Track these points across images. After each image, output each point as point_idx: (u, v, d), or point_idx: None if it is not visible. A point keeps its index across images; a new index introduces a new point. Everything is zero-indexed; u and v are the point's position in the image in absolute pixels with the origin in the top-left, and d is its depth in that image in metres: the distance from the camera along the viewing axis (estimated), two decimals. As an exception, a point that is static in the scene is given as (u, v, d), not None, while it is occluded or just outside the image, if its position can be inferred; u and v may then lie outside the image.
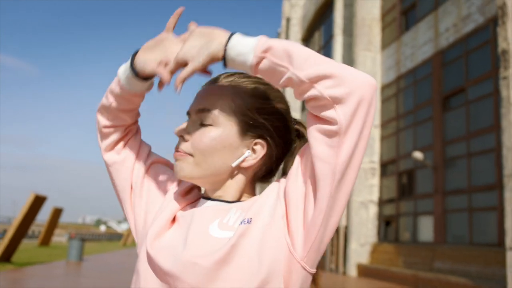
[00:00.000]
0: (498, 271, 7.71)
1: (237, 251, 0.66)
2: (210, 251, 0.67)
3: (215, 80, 0.80)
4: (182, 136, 0.77)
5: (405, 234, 11.49)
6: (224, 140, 0.75)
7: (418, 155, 10.44)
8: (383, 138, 12.92)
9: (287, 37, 19.69)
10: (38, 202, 10.48)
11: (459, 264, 8.89)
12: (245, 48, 0.66)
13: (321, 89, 0.63)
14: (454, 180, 10.01)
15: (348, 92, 0.63)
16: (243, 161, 0.76)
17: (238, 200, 0.77)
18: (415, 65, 11.65)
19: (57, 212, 17.24)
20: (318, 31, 17.60)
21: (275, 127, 0.78)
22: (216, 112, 0.75)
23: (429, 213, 10.57)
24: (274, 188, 0.74)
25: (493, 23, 8.83)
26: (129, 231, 29.83)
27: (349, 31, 14.48)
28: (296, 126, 0.83)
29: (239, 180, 0.78)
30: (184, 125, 0.78)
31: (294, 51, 0.65)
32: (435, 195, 10.42)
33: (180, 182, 0.84)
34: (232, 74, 0.80)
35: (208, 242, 0.69)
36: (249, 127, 0.76)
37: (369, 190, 12.57)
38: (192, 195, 0.83)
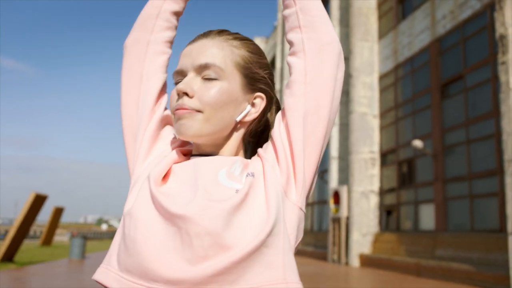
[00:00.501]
0: (500, 256, 7.71)
1: (248, 200, 0.67)
2: (224, 198, 0.66)
3: (205, 36, 0.79)
4: (185, 93, 0.73)
5: (407, 223, 11.50)
6: (231, 93, 0.74)
7: (418, 143, 10.42)
8: (382, 128, 12.91)
9: (283, 31, 19.65)
10: (38, 201, 10.47)
11: (461, 251, 8.90)
12: None
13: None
14: (454, 167, 10.00)
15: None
16: (246, 115, 0.77)
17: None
18: (413, 54, 11.62)
19: (59, 212, 17.25)
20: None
21: (270, 80, 0.81)
22: (220, 66, 0.74)
23: (430, 201, 10.57)
24: (265, 146, 0.77)
25: (490, 9, 8.80)
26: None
27: (345, 22, 14.43)
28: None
29: (238, 136, 0.78)
30: (186, 80, 0.74)
31: None
32: (435, 183, 10.41)
33: (173, 139, 0.81)
34: (222, 31, 0.80)
35: (218, 189, 0.68)
36: (251, 81, 0.78)
37: (369, 180, 12.56)
38: (185, 152, 0.80)
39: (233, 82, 0.75)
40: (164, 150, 0.79)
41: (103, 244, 25.60)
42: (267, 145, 0.76)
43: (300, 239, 0.72)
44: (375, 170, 12.70)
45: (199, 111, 0.73)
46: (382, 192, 12.56)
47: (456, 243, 9.14)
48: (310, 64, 0.73)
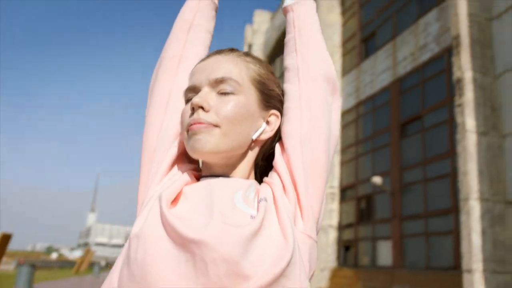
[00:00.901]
0: (454, 294, 7.82)
1: (264, 227, 0.62)
2: (241, 223, 0.61)
3: (218, 52, 0.76)
4: (201, 107, 0.69)
5: (364, 258, 11.55)
6: (248, 108, 0.71)
7: (377, 180, 10.60)
8: (342, 163, 13.09)
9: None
10: (4, 241, 9.87)
11: (417, 288, 8.97)
12: None
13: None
14: (411, 205, 10.20)
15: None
16: (261, 133, 0.74)
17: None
18: (374, 92, 11.95)
19: (6, 238, 16.31)
20: (279, 58, 17.87)
21: (282, 93, 0.78)
22: (236, 79, 0.71)
23: (387, 238, 10.68)
24: (270, 174, 0.74)
25: (448, 53, 9.19)
26: (82, 259, 28.53)
27: (310, 58, 14.75)
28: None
29: (251, 156, 0.75)
30: (201, 94, 0.70)
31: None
32: (393, 220, 10.56)
33: (183, 162, 0.77)
34: (233, 49, 0.78)
35: (235, 213, 0.63)
36: (266, 97, 0.75)
37: (328, 215, 12.63)
38: (196, 175, 0.75)
39: (250, 97, 0.72)
40: (175, 174, 0.73)
41: (53, 273, 24.45)
42: (272, 173, 0.73)
43: (314, 268, 0.68)
44: (334, 205, 12.79)
45: (216, 125, 0.68)
46: (341, 227, 12.62)
47: (413, 280, 9.22)
48: (304, 90, 0.73)
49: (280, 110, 0.76)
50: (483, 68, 7.54)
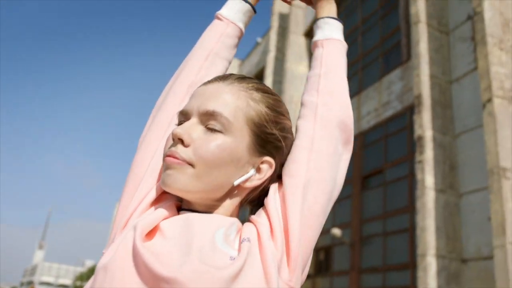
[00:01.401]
0: None
1: (245, 270, 0.57)
2: (221, 264, 0.56)
3: (223, 79, 0.70)
4: (181, 139, 0.63)
5: (321, 311, 11.38)
6: (233, 152, 0.64)
7: (336, 231, 10.62)
8: (303, 213, 13.09)
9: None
10: None
11: None
12: (337, 25, 0.81)
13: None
14: (370, 258, 10.23)
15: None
16: (247, 180, 0.67)
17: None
18: (338, 144, 12.16)
19: None
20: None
21: (286, 145, 0.70)
22: (228, 117, 0.64)
23: (345, 291, 10.60)
24: (258, 212, 0.68)
25: (410, 111, 9.53)
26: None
27: (277, 107, 14.98)
28: None
29: (233, 201, 0.68)
30: (186, 125, 0.64)
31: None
32: (351, 273, 10.52)
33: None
34: (243, 78, 0.71)
35: (215, 253, 0.58)
36: (262, 142, 0.67)
37: (287, 264, 12.48)
38: (177, 205, 0.69)
39: (240, 139, 0.65)
40: (158, 205, 0.67)
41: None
42: (260, 213, 0.66)
43: None
44: (294, 255, 12.67)
45: (190, 164, 0.62)
46: (299, 278, 12.47)
47: (368, 335, 9.11)
48: (319, 132, 0.68)
49: (275, 157, 0.69)
50: (443, 127, 7.84)
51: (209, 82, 0.70)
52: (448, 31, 8.18)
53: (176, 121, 0.72)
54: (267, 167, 0.68)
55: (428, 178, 7.52)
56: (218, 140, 0.63)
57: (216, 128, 0.64)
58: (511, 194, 6.00)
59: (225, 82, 0.69)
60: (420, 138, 7.95)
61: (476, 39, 6.66)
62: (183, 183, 0.62)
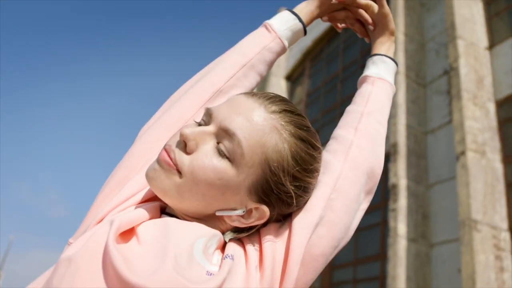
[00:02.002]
0: None
1: None
2: (196, 279, 0.50)
3: (269, 101, 0.61)
4: (187, 143, 0.57)
5: None
6: (229, 185, 0.57)
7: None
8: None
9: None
10: None
11: None
12: (393, 67, 0.81)
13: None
14: (339, 305, 10.08)
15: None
16: (230, 216, 0.60)
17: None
18: (312, 188, 12.19)
19: None
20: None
21: (297, 203, 0.62)
22: (244, 149, 0.56)
23: (312, 338, 10.38)
24: (252, 235, 0.62)
25: (385, 159, 9.66)
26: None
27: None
28: None
29: (213, 224, 0.62)
30: (199, 130, 0.58)
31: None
32: (319, 320, 10.33)
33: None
34: (291, 112, 0.62)
35: (192, 265, 0.52)
36: (268, 190, 0.58)
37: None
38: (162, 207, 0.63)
39: (244, 176, 0.57)
40: (141, 204, 0.61)
41: None
42: (252, 236, 0.61)
43: None
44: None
45: (179, 172, 0.57)
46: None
47: None
48: (346, 173, 0.63)
49: (275, 209, 0.60)
50: (417, 177, 7.95)
51: (254, 95, 0.62)
52: (425, 84, 8.46)
53: (195, 120, 0.66)
54: (258, 216, 0.60)
55: (400, 226, 7.55)
56: (220, 165, 0.57)
57: (225, 152, 0.57)
58: (482, 246, 6.06)
59: (268, 108, 0.60)
60: (395, 186, 8.03)
61: (452, 93, 6.89)
62: (164, 184, 0.57)
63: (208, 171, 0.56)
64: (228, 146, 0.57)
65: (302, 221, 0.60)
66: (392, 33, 0.81)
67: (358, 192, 0.65)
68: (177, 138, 0.59)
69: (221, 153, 0.57)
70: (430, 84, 8.39)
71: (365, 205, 0.68)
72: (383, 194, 9.75)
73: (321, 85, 13.12)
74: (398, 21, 8.49)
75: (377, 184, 0.69)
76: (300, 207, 0.62)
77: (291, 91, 14.93)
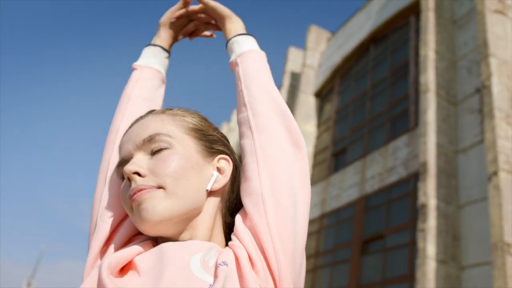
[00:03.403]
0: None
1: None
2: None
3: (142, 117, 0.71)
4: (136, 172, 0.62)
5: None
6: (188, 158, 0.65)
7: (333, 295, 10.31)
8: (300, 274, 12.79)
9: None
10: None
11: None
12: (248, 39, 0.81)
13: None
14: (365, 327, 9.86)
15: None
16: (214, 182, 0.67)
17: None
18: (340, 206, 12.06)
19: None
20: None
21: (229, 149, 0.74)
22: (166, 133, 0.66)
23: None
24: (233, 238, 0.65)
25: (414, 178, 9.49)
26: None
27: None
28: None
29: (210, 213, 0.66)
30: (133, 160, 0.64)
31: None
32: None
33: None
34: (152, 111, 0.73)
35: (190, 281, 0.54)
36: (206, 143, 0.69)
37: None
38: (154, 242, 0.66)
39: (187, 147, 0.66)
40: (130, 244, 0.65)
41: None
42: (234, 238, 0.63)
43: None
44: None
45: (159, 187, 0.61)
46: None
47: None
48: (258, 141, 0.68)
49: (228, 154, 0.72)
50: (448, 197, 7.77)
51: (128, 128, 0.70)
52: (457, 102, 8.30)
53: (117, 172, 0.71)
54: (226, 163, 0.69)
55: (429, 247, 7.37)
56: (170, 155, 0.64)
57: (162, 147, 0.64)
58: (515, 270, 5.85)
59: (143, 118, 0.70)
60: (424, 206, 7.86)
61: (484, 112, 6.74)
62: (162, 207, 0.60)
63: (171, 163, 0.62)
64: (157, 144, 0.64)
65: (252, 205, 0.64)
66: (228, 17, 0.85)
67: (282, 148, 0.67)
68: (125, 191, 0.64)
69: (160, 151, 0.64)
70: (462, 102, 8.23)
71: (301, 155, 0.69)
72: (412, 213, 9.56)
73: (349, 102, 13.06)
74: (429, 39, 8.40)
75: (296, 131, 0.70)
76: (227, 144, 0.73)
77: (320, 108, 14.91)
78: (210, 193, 0.67)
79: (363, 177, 11.50)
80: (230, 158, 0.71)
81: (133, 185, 0.61)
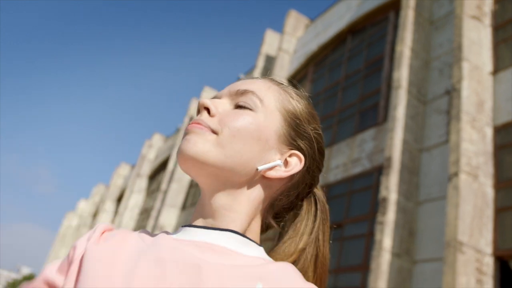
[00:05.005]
0: None
1: None
2: None
3: (259, 78, 0.67)
4: (208, 108, 0.60)
5: None
6: (262, 129, 0.59)
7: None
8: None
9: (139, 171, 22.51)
10: None
11: None
12: None
13: None
14: (316, 311, 10.10)
15: None
16: (271, 168, 0.60)
17: (244, 235, 0.59)
18: (302, 192, 12.20)
19: None
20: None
21: (317, 149, 0.66)
22: (262, 97, 0.61)
23: None
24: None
25: (377, 171, 9.69)
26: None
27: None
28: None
29: (254, 194, 0.60)
30: (214, 100, 0.62)
31: None
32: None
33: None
34: (281, 83, 0.68)
35: None
36: (294, 134, 0.62)
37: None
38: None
39: (271, 121, 0.60)
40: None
41: None
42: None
43: None
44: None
45: (214, 132, 0.58)
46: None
47: None
48: None
49: (306, 155, 0.63)
50: (408, 193, 7.98)
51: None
52: (426, 101, 8.48)
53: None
54: (296, 161, 0.62)
55: (386, 240, 7.57)
56: (247, 115, 0.60)
57: (247, 105, 0.61)
58: (464, 269, 6.09)
59: (265, 79, 0.67)
60: (384, 199, 8.05)
61: (451, 114, 6.92)
62: (202, 148, 0.57)
63: (241, 121, 0.59)
64: (246, 99, 0.61)
65: None
66: None
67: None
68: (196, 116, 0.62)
69: (243, 107, 0.61)
70: (431, 102, 8.42)
71: None
72: (372, 206, 9.79)
73: (321, 91, 13.14)
74: (406, 36, 8.51)
75: None
76: (313, 148, 0.66)
77: (292, 94, 14.94)
78: (261, 178, 0.61)
79: (327, 166, 11.65)
80: (306, 161, 0.63)
81: (198, 116, 0.60)
